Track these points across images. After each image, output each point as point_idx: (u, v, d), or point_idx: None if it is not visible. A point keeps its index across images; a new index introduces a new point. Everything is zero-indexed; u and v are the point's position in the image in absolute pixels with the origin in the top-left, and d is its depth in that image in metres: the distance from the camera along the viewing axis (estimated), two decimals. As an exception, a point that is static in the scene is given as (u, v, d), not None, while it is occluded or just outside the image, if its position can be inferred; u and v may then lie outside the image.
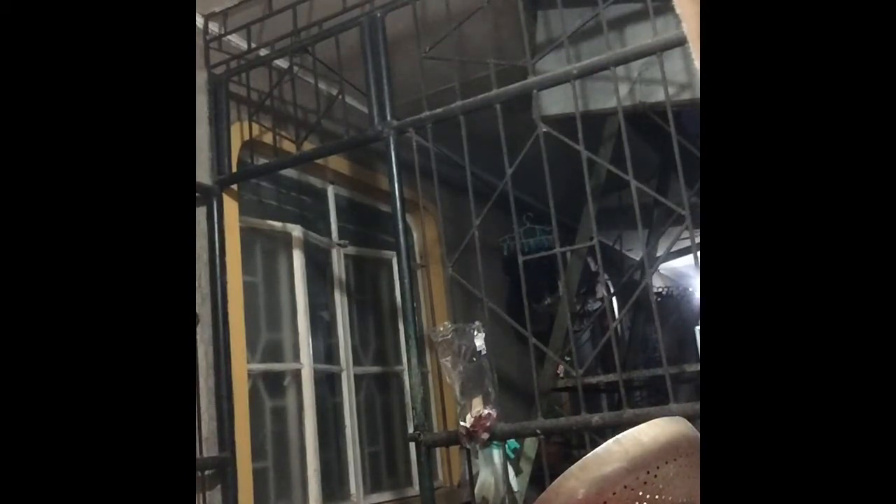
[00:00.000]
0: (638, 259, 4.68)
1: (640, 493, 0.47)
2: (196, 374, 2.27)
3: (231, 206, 2.59)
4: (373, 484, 3.23)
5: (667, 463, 0.48)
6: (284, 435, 2.80)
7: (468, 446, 1.95)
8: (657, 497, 0.48)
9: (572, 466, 0.48)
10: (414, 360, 2.16)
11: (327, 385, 3.06)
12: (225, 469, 2.30)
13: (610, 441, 0.49)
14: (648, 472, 0.48)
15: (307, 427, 2.83)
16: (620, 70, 2.11)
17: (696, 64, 0.47)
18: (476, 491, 3.05)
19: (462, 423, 1.93)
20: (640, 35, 2.23)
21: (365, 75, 2.32)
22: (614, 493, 0.47)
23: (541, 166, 2.01)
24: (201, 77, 2.54)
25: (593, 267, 4.12)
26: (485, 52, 2.28)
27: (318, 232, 3.19)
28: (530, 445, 3.00)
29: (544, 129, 2.05)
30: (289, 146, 2.69)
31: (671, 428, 0.50)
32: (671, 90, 2.03)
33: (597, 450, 0.50)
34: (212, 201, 2.47)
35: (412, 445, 3.10)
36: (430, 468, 2.14)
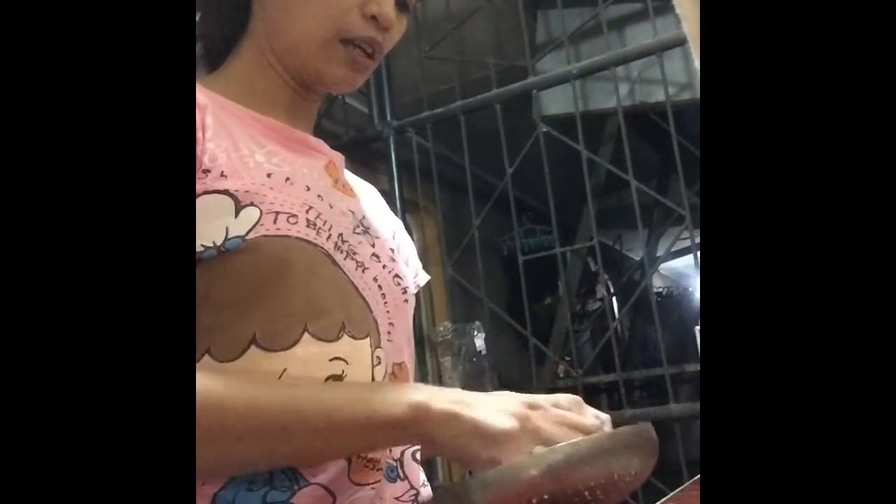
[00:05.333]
0: (638, 259, 4.68)
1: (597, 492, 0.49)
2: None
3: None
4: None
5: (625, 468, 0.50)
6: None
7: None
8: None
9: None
10: (413, 361, 2.16)
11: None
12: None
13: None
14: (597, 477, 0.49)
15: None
16: (620, 70, 2.11)
17: (696, 64, 0.47)
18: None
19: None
20: (640, 35, 2.23)
21: (365, 75, 2.31)
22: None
23: (541, 166, 2.01)
24: (202, 77, 2.53)
25: (593, 267, 4.12)
26: (485, 52, 2.28)
27: (319, 232, 3.17)
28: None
29: (544, 129, 2.05)
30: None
31: (625, 434, 0.53)
32: (671, 90, 2.03)
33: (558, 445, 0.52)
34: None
35: (412, 445, 3.09)
36: (430, 467, 2.14)
